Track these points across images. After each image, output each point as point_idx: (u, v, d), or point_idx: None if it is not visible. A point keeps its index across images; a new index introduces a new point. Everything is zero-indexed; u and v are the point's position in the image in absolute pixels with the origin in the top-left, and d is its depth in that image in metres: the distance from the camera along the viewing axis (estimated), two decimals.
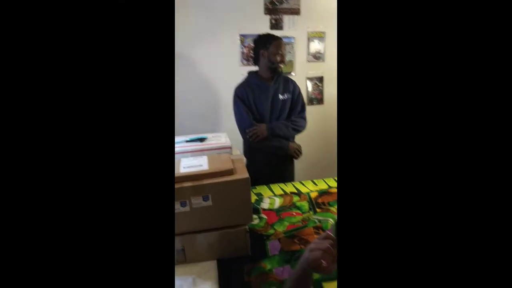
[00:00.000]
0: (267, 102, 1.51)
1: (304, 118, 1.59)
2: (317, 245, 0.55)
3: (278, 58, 1.47)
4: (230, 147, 1.08)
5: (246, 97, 1.50)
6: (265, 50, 1.47)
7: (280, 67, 1.52)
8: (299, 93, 1.60)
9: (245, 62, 2.07)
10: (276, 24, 2.08)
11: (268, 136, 1.49)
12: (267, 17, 2.06)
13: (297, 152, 1.58)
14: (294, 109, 1.58)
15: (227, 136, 1.20)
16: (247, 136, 1.48)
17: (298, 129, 1.57)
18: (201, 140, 1.11)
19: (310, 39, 2.16)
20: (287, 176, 1.58)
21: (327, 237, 0.56)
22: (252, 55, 1.70)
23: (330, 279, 0.75)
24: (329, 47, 2.19)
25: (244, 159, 1.02)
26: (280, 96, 1.53)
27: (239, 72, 1.63)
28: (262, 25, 2.04)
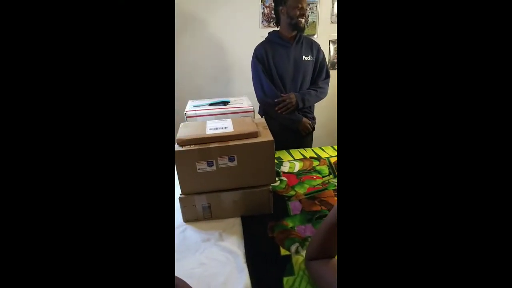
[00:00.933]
0: (288, 62, 1.42)
1: (328, 85, 1.53)
2: None
3: (298, 12, 1.36)
4: (253, 111, 1.09)
5: (265, 58, 1.42)
6: (284, 6, 1.38)
7: (301, 22, 1.39)
8: (324, 58, 1.52)
9: (266, 23, 1.99)
10: None
11: (299, 106, 1.42)
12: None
13: (307, 129, 1.49)
14: (320, 74, 1.50)
15: (248, 100, 1.20)
16: (276, 109, 1.41)
17: (323, 97, 1.52)
18: (224, 103, 1.12)
19: None
20: (305, 144, 1.54)
21: None
22: (273, 15, 1.63)
23: None
24: None
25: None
26: (304, 57, 1.44)
27: (260, 34, 1.57)
28: None
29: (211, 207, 0.88)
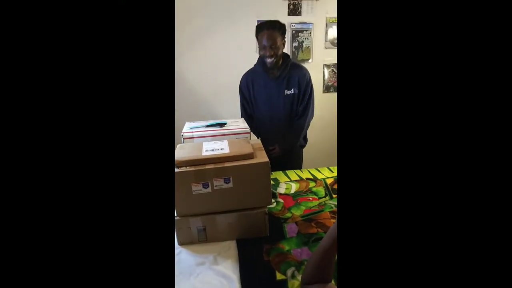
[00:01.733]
0: (268, 95, 1.44)
1: (304, 111, 1.49)
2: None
3: (264, 52, 1.34)
4: (249, 132, 1.10)
5: (247, 91, 1.49)
6: (258, 45, 1.39)
7: (270, 63, 1.36)
8: (307, 86, 1.46)
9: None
10: (294, 10, 2.05)
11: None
12: (286, 3, 2.03)
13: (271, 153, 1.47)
14: (300, 103, 1.47)
15: (245, 122, 1.22)
16: (270, 153, 1.44)
17: (304, 132, 1.53)
18: (221, 125, 1.14)
19: (328, 25, 2.12)
20: (294, 165, 1.53)
21: None
22: None
23: None
24: None
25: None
26: (286, 92, 1.43)
27: (255, 58, 1.62)
28: (280, 11, 2.01)
29: (206, 229, 0.87)
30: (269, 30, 1.33)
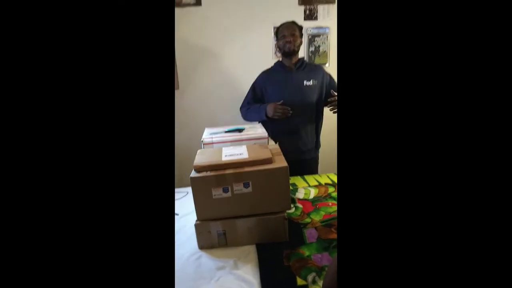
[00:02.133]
0: (287, 88, 1.46)
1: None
2: None
3: (284, 41, 1.43)
4: (267, 138, 1.11)
5: (260, 84, 1.52)
6: (278, 40, 1.49)
7: (289, 48, 1.43)
8: (330, 82, 1.53)
9: (279, 54, 2.07)
10: (311, 15, 2.06)
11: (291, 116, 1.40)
12: (302, 8, 2.04)
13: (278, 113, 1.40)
14: (325, 96, 1.51)
15: (262, 127, 1.23)
16: (277, 111, 1.36)
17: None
18: (239, 130, 1.15)
19: None
20: (313, 169, 1.55)
21: None
22: None
23: None
24: None
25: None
26: (306, 82, 1.48)
27: (272, 64, 1.63)
28: (296, 16, 2.01)
29: (226, 234, 0.88)
30: (287, 24, 1.47)
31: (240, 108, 1.59)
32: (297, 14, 2.03)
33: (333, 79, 1.56)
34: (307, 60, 1.59)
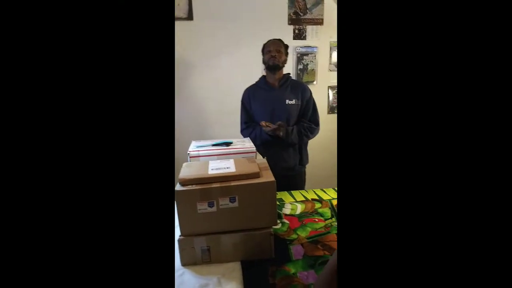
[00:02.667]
0: (268, 105, 1.49)
1: (315, 123, 1.55)
2: None
3: (269, 56, 1.48)
4: (255, 152, 1.11)
5: (247, 100, 1.57)
6: (263, 54, 1.53)
7: (272, 62, 1.47)
8: (310, 99, 1.55)
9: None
10: (300, 34, 2.12)
11: (282, 136, 1.44)
12: (291, 28, 2.10)
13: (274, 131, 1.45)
14: (305, 115, 1.54)
15: (250, 141, 1.23)
16: (263, 123, 1.42)
17: (308, 135, 1.53)
18: (227, 144, 1.15)
19: (332, 48, 2.18)
20: (298, 185, 1.55)
21: None
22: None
23: None
24: None
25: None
26: (287, 101, 1.50)
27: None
28: (285, 35, 2.07)
29: (211, 250, 0.85)
30: (274, 40, 1.53)
31: (242, 131, 1.59)
32: (286, 33, 2.09)
33: (312, 98, 1.57)
34: (294, 77, 1.62)
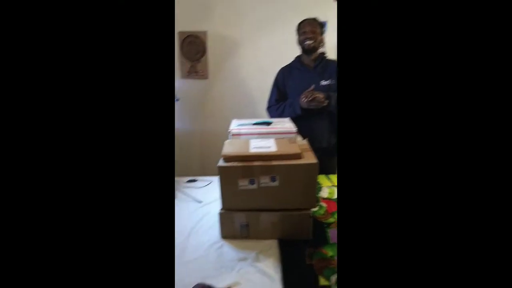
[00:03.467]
0: (302, 86, 1.41)
1: None
2: None
3: (304, 37, 1.42)
4: (295, 132, 1.09)
5: (281, 80, 1.52)
6: (298, 35, 1.47)
7: (307, 45, 1.41)
8: None
9: None
10: None
11: (326, 106, 1.36)
12: (336, 3, 1.98)
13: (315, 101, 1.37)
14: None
15: (291, 121, 1.21)
16: (303, 97, 1.35)
17: None
18: (267, 124, 1.14)
19: None
20: (330, 168, 1.47)
21: None
22: None
23: None
24: None
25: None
26: (322, 82, 1.43)
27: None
28: (330, 12, 1.96)
29: (249, 226, 0.87)
30: (309, 20, 1.45)
31: (268, 109, 1.57)
32: (331, 9, 1.97)
33: None
34: (327, 56, 1.53)
